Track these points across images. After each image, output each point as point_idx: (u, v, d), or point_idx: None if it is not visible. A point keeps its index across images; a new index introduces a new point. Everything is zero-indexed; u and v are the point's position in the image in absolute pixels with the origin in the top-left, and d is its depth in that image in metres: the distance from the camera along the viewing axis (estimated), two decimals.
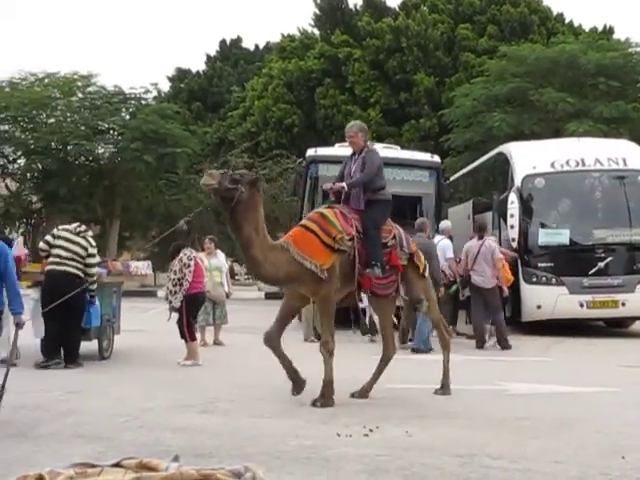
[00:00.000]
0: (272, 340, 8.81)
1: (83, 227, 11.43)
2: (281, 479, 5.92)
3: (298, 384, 8.90)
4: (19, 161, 29.82)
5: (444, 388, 9.57)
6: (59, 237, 11.22)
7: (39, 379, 10.30)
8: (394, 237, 9.24)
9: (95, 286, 11.29)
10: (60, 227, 11.72)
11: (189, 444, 6.93)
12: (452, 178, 24.26)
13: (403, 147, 25.48)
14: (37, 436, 7.24)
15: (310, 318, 14.43)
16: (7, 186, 29.79)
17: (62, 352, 11.22)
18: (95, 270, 11.26)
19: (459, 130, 28.79)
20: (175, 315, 12.00)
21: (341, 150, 18.08)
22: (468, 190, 22.86)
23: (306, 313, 14.40)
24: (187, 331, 11.96)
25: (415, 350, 13.66)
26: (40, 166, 28.64)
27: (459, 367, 12.14)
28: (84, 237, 11.22)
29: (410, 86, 33.96)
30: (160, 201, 28.63)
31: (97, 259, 11.40)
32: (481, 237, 15.09)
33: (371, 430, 7.48)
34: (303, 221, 8.90)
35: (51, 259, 11.11)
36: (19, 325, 7.88)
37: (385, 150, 18.33)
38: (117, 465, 6.13)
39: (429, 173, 17.14)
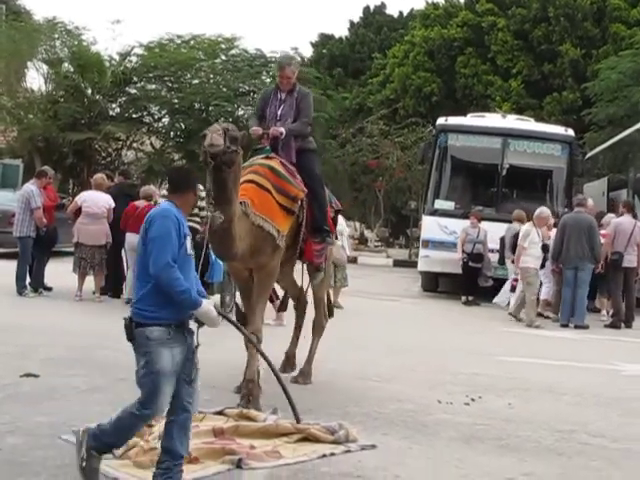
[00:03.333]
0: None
1: None
2: (374, 439, 6.07)
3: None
4: (163, 120, 30.76)
5: (304, 375, 8.02)
6: None
7: None
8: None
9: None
10: None
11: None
12: (591, 153, 23.60)
13: (544, 120, 24.95)
14: None
15: (534, 301, 13.79)
16: (152, 143, 30.84)
17: None
18: (204, 212, 11.56)
19: (602, 104, 27.80)
20: None
21: (473, 120, 17.97)
22: (606, 166, 22.19)
23: (530, 295, 13.69)
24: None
25: (579, 326, 13.50)
26: (183, 125, 29.47)
27: (577, 344, 12.03)
28: None
29: (555, 57, 32.95)
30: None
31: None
32: (634, 216, 14.61)
33: (473, 400, 7.52)
34: (250, 176, 7.05)
35: None
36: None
37: (517, 122, 18.11)
38: (220, 413, 6.49)
39: (561, 147, 16.70)
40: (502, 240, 15.50)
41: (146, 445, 5.46)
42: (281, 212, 7.06)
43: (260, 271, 7.14)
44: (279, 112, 7.57)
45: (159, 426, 5.84)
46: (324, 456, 5.66)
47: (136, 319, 4.78)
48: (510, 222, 15.29)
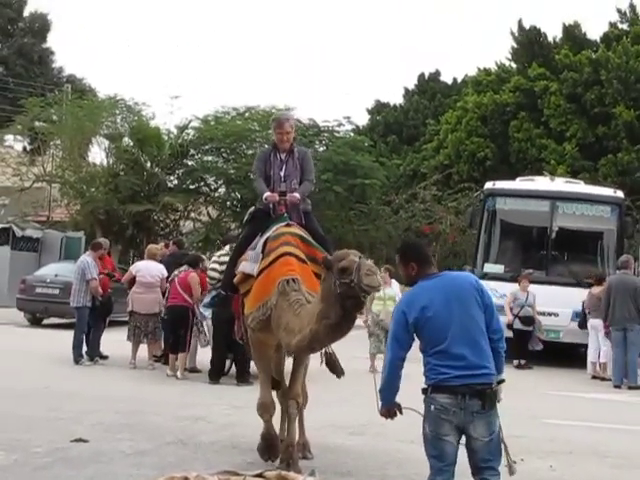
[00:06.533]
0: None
1: None
2: None
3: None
4: (220, 190, 31.34)
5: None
6: (224, 263, 11.74)
7: (211, 394, 11.00)
8: None
9: None
10: (217, 255, 12.44)
11: (333, 463, 7.30)
12: None
13: (599, 182, 24.91)
14: (195, 444, 7.83)
15: None
16: (209, 213, 31.44)
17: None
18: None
19: None
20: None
21: (522, 184, 18.04)
22: None
23: None
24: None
25: (633, 387, 13.53)
26: (238, 195, 30.01)
27: (625, 407, 11.90)
28: None
29: (608, 119, 32.96)
30: (349, 231, 29.19)
31: None
32: None
33: (514, 462, 7.50)
34: (286, 248, 6.92)
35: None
36: None
37: (566, 185, 18.16)
38: (259, 475, 6.60)
39: (611, 208, 16.68)
40: (583, 304, 15.36)
41: None
42: (316, 281, 6.80)
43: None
44: (282, 173, 7.51)
45: None
46: None
47: (493, 380, 4.95)
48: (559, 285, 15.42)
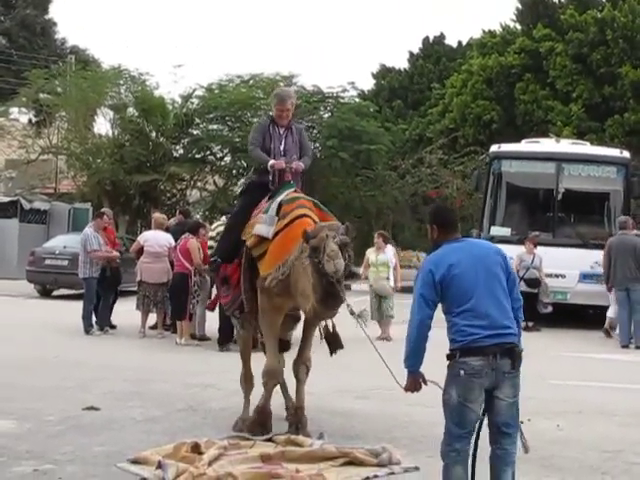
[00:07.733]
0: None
1: None
2: (419, 461, 6.20)
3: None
4: (226, 158, 31.22)
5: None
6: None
7: (220, 361, 11.06)
8: None
9: None
10: (214, 226, 12.49)
11: (341, 426, 7.38)
12: None
13: (606, 143, 24.74)
14: (205, 410, 7.95)
15: None
16: (215, 182, 31.41)
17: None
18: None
19: None
20: None
21: (527, 147, 17.97)
22: None
23: None
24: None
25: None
26: (244, 163, 29.89)
27: (634, 366, 11.93)
28: None
29: (615, 79, 32.68)
30: (356, 197, 29.12)
31: None
32: None
33: (522, 422, 7.54)
34: (302, 210, 6.98)
35: None
36: None
37: (571, 146, 18.09)
38: (269, 440, 6.71)
39: (617, 169, 16.60)
40: None
41: (195, 471, 5.69)
42: None
43: None
44: (281, 147, 7.56)
45: (209, 453, 6.09)
46: (367, 479, 5.83)
47: (517, 340, 5.00)
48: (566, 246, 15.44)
